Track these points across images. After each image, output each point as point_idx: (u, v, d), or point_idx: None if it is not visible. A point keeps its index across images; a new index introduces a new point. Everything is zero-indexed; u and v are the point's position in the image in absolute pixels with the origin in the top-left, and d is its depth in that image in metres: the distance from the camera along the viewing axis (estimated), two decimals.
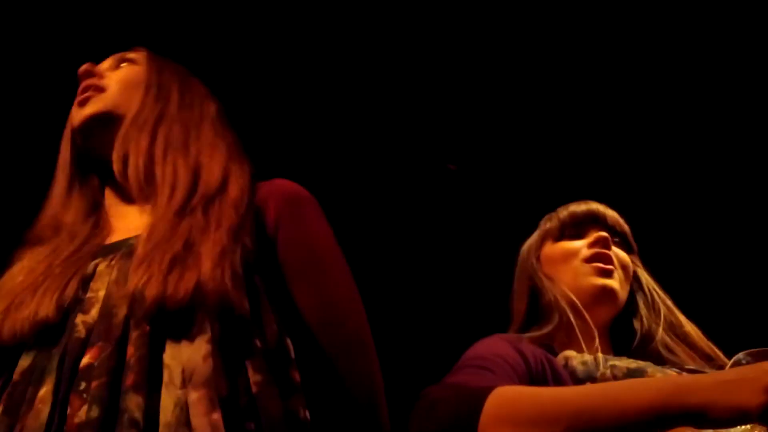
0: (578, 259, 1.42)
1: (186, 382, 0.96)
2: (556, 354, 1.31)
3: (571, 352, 1.30)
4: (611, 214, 1.50)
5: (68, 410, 0.94)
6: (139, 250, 1.07)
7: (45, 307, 1.04)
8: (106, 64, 1.30)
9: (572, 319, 1.34)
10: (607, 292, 1.38)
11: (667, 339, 1.38)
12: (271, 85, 2.57)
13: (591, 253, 1.41)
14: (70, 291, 1.06)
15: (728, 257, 2.73)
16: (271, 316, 1.08)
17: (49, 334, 1.03)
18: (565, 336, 1.34)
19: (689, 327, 1.40)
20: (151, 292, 1.00)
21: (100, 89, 1.24)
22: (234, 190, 1.17)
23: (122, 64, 1.29)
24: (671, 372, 1.25)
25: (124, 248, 1.11)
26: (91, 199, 1.26)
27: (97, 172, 1.27)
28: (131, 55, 1.31)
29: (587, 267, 1.40)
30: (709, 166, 2.73)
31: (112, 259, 1.10)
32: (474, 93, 2.70)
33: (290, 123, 2.65)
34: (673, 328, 1.40)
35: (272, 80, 2.56)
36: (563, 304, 1.36)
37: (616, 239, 1.46)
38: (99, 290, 1.06)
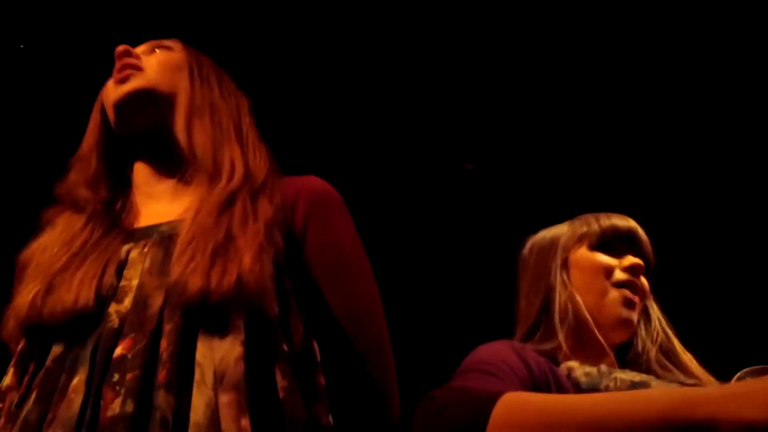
0: (609, 280, 1.40)
1: (217, 383, 0.95)
2: (558, 364, 1.30)
3: (574, 363, 1.30)
4: (647, 240, 1.47)
5: (101, 402, 0.94)
6: (183, 237, 1.06)
7: (84, 295, 1.03)
8: (140, 49, 1.29)
9: (582, 335, 1.34)
10: (627, 324, 1.38)
11: (663, 360, 1.37)
12: (289, 84, 2.58)
13: (624, 278, 1.40)
14: (107, 279, 1.05)
15: (730, 264, 2.72)
16: (299, 320, 1.07)
17: (83, 320, 1.02)
18: (570, 349, 1.34)
19: (685, 356, 1.39)
20: (196, 283, 0.99)
21: (139, 68, 1.23)
22: (272, 188, 1.18)
23: (157, 50, 1.29)
24: (674, 386, 1.24)
25: (156, 235, 1.11)
26: (118, 175, 1.25)
27: (126, 150, 1.27)
28: (166, 42, 1.31)
29: (615, 292, 1.39)
30: (723, 168, 2.71)
31: (144, 246, 1.09)
32: (492, 93, 2.70)
33: (308, 122, 2.66)
34: (668, 354, 1.40)
35: (290, 80, 2.58)
36: (582, 318, 1.35)
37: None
38: (132, 279, 1.05)
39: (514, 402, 0.99)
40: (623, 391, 1.16)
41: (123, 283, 1.05)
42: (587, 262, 1.43)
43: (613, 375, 1.24)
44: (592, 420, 0.93)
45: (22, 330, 1.05)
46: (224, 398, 0.94)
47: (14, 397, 1.01)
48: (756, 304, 2.59)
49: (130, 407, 0.92)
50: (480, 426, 0.96)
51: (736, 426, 0.85)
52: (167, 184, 1.21)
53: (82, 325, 1.02)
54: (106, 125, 1.27)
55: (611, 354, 1.39)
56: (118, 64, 1.23)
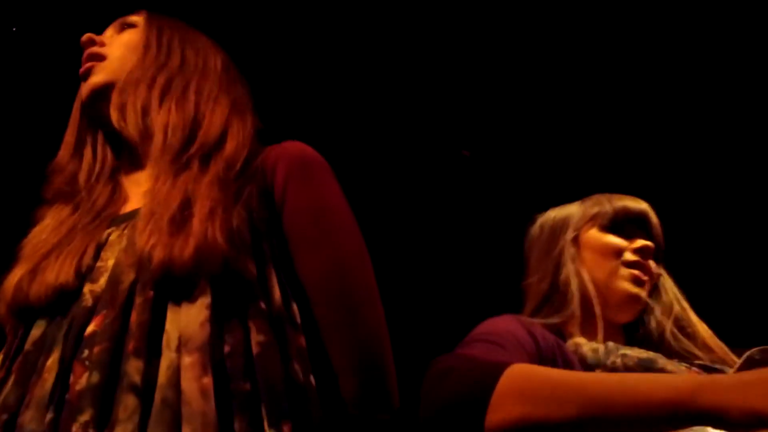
0: (619, 260, 1.41)
1: (181, 346, 0.95)
2: (565, 340, 1.31)
3: (581, 339, 1.30)
4: (658, 223, 1.48)
5: (71, 378, 0.95)
6: (143, 210, 1.06)
7: (65, 272, 1.04)
8: (108, 32, 1.28)
9: (593, 310, 1.34)
10: (636, 300, 1.39)
11: (677, 334, 1.37)
12: (286, 67, 2.57)
13: (633, 259, 1.41)
14: (86, 259, 1.06)
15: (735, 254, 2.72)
16: (275, 281, 1.05)
17: (63, 302, 1.03)
18: (578, 326, 1.34)
19: (701, 327, 1.39)
20: (159, 255, 0.99)
21: (101, 57, 1.23)
22: (231, 144, 1.14)
23: (123, 30, 1.28)
24: (682, 366, 1.24)
25: (135, 217, 1.11)
26: (107, 163, 1.25)
27: (110, 140, 1.26)
28: (131, 18, 1.29)
29: (625, 271, 1.40)
30: (724, 156, 2.71)
31: (124, 228, 1.10)
32: (489, 79, 2.69)
33: (305, 107, 2.65)
34: (683, 327, 1.40)
35: (286, 62, 2.57)
36: (588, 295, 1.36)
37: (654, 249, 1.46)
38: (108, 259, 1.06)
39: (521, 373, 0.98)
40: (630, 373, 1.15)
41: (99, 263, 1.06)
42: (598, 242, 1.43)
43: (621, 351, 1.23)
44: (598, 398, 0.92)
45: (9, 311, 1.06)
46: (187, 360, 0.93)
47: None
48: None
49: (95, 378, 0.92)
50: (484, 395, 0.96)
51: (744, 415, 0.84)
52: (146, 169, 1.19)
53: (62, 306, 1.03)
54: (87, 114, 1.27)
55: (618, 332, 1.39)
56: (83, 56, 1.23)
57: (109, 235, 1.10)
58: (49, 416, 0.92)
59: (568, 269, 1.39)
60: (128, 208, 1.18)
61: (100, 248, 1.08)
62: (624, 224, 1.45)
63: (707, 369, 1.24)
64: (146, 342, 0.95)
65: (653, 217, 1.47)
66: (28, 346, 1.02)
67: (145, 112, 1.17)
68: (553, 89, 2.70)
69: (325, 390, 1.05)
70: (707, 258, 2.62)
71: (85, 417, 0.90)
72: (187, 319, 0.97)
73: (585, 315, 1.35)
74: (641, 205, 1.47)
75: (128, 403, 0.90)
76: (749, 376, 0.88)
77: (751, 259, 2.68)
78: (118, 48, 1.24)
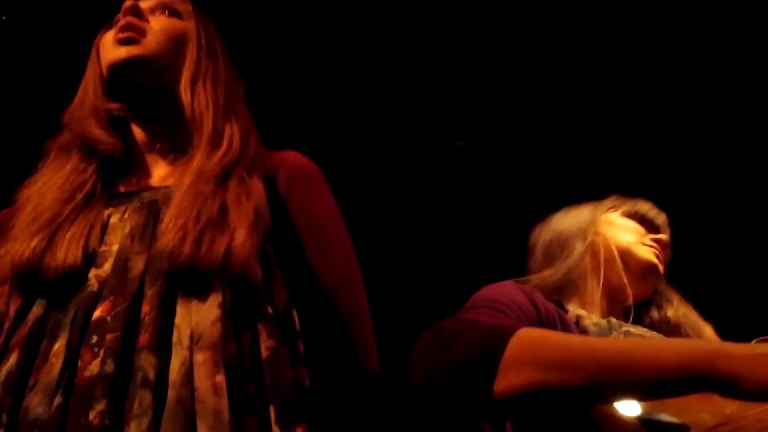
0: (640, 238, 1.44)
1: (193, 344, 0.96)
2: (566, 312, 1.29)
3: (583, 311, 1.29)
4: (669, 237, 1.52)
5: (79, 363, 0.94)
6: (177, 201, 1.06)
7: (73, 253, 1.03)
8: (149, 4, 1.25)
9: (611, 279, 1.35)
10: (655, 271, 1.41)
11: (688, 330, 1.38)
12: (277, 59, 2.56)
13: (652, 242, 1.44)
14: (93, 241, 1.05)
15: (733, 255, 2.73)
16: (281, 285, 1.08)
17: (67, 282, 1.02)
18: (580, 290, 1.34)
19: (707, 329, 1.40)
20: (185, 250, 0.99)
21: (143, 33, 1.21)
22: (260, 159, 1.19)
23: (166, 13, 1.26)
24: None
25: (136, 200, 1.11)
26: (117, 126, 1.23)
27: (124, 103, 1.24)
28: (177, 6, 1.28)
29: (646, 247, 1.43)
30: (721, 153, 2.72)
31: (124, 212, 1.10)
32: (481, 69, 2.69)
33: (297, 98, 2.65)
34: (688, 321, 1.41)
35: (277, 54, 2.56)
36: (611, 260, 1.37)
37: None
38: (113, 244, 1.06)
39: (531, 338, 0.94)
40: (645, 339, 1.13)
41: (104, 248, 1.05)
42: (621, 221, 1.47)
43: (623, 328, 1.22)
44: (610, 363, 0.89)
45: (16, 276, 1.03)
46: (199, 357, 0.95)
47: None
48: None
49: (110, 367, 0.92)
50: (493, 360, 0.92)
51: (756, 385, 0.84)
52: (161, 149, 1.21)
53: (66, 287, 1.02)
54: (102, 77, 1.24)
55: (620, 313, 1.39)
56: (123, 21, 1.20)
57: (110, 216, 1.10)
58: (57, 400, 0.91)
59: (593, 239, 1.39)
60: (131, 186, 1.17)
61: (103, 231, 1.07)
62: (643, 222, 1.49)
63: None
64: (159, 337, 0.96)
65: (668, 231, 1.51)
66: (31, 323, 1.00)
67: (218, 110, 1.19)
68: (546, 79, 2.70)
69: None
70: (706, 261, 2.64)
71: (100, 406, 0.90)
72: (198, 316, 0.98)
73: (595, 281, 1.35)
74: (663, 216, 1.51)
75: (143, 398, 0.91)
76: (763, 348, 0.88)
77: (750, 263, 2.69)
78: (163, 32, 1.23)
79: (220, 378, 0.93)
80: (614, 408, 0.94)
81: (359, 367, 1.16)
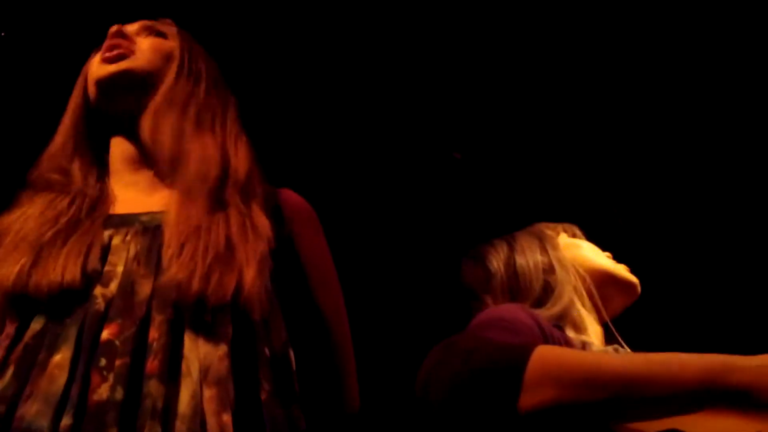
0: (605, 257, 1.45)
1: (202, 378, 0.97)
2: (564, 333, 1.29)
3: (587, 337, 1.30)
4: None
5: (90, 385, 0.94)
6: (173, 232, 1.06)
7: (70, 272, 1.03)
8: (133, 28, 1.28)
9: (591, 296, 1.36)
10: (635, 288, 1.42)
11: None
12: (276, 73, 2.56)
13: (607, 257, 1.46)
14: (92, 261, 1.05)
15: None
16: (281, 325, 1.10)
17: (66, 298, 1.02)
18: (575, 320, 1.33)
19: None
20: (194, 286, 1.00)
21: (131, 51, 1.23)
22: (260, 192, 1.19)
23: (152, 34, 1.28)
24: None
25: (137, 224, 1.12)
26: (96, 156, 1.24)
27: (106, 131, 1.26)
28: (162, 27, 1.29)
29: (619, 265, 1.44)
30: (711, 163, 2.72)
31: (126, 234, 1.10)
32: (479, 82, 2.69)
33: (294, 112, 2.65)
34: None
35: (276, 67, 2.56)
36: (589, 278, 1.38)
37: None
38: (117, 265, 1.06)
39: (550, 356, 0.96)
40: (657, 353, 1.14)
41: (108, 268, 1.05)
42: (579, 242, 1.48)
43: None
44: (628, 380, 0.91)
45: (6, 299, 1.03)
46: (207, 392, 0.96)
47: None
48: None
49: (120, 394, 0.93)
50: (517, 375, 0.93)
51: None
52: (143, 174, 1.21)
53: (64, 304, 1.01)
54: (86, 105, 1.25)
55: (603, 330, 1.39)
56: (109, 43, 1.22)
57: (111, 237, 1.10)
58: (67, 421, 0.91)
59: (569, 262, 1.40)
60: (118, 208, 1.17)
61: (105, 251, 1.07)
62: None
63: None
64: (167, 366, 0.97)
65: None
66: (27, 338, 1.00)
67: (180, 139, 1.18)
68: (545, 92, 2.70)
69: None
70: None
71: None
72: (206, 350, 0.99)
73: (581, 308, 1.35)
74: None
75: (153, 429, 0.92)
76: None
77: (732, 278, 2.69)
78: (150, 50, 1.24)
79: (227, 418, 0.95)
80: (635, 424, 0.95)
81: (345, 406, 1.21)
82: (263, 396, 1.01)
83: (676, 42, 2.50)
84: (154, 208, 1.15)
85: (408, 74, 2.67)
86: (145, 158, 1.21)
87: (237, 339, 1.02)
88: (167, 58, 1.25)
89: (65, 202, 1.15)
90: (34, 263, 1.04)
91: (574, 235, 1.51)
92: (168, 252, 1.05)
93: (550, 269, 1.39)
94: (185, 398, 0.95)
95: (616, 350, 1.27)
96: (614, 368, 0.93)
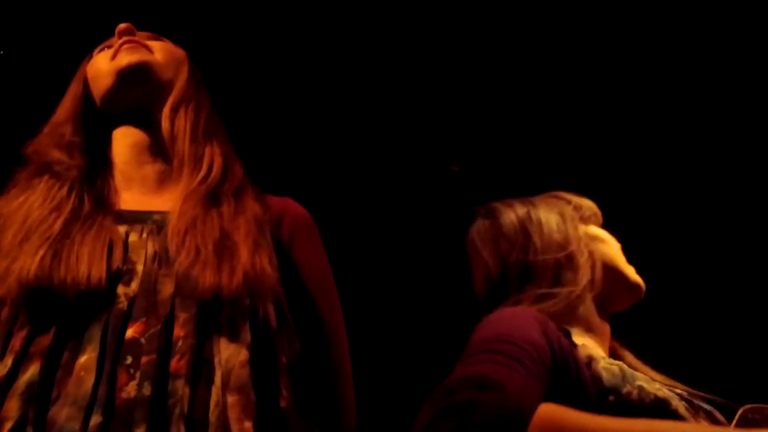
0: (622, 255, 1.42)
1: (224, 384, 0.97)
2: (575, 346, 1.25)
3: (594, 350, 1.26)
4: None
5: (117, 383, 0.95)
6: (174, 228, 1.08)
7: (96, 273, 1.02)
8: (140, 34, 1.28)
9: (608, 286, 1.34)
10: (640, 291, 1.39)
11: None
12: (274, 82, 2.56)
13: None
14: (115, 260, 1.05)
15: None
16: (294, 334, 1.11)
17: (87, 297, 1.01)
18: (581, 317, 1.32)
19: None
20: (208, 279, 1.02)
21: (146, 47, 1.24)
22: (251, 194, 1.21)
23: (159, 40, 1.29)
24: (702, 423, 1.21)
25: (150, 222, 1.12)
26: (95, 148, 1.23)
27: (107, 126, 1.25)
28: (165, 39, 1.32)
29: (630, 266, 1.41)
30: (709, 170, 2.72)
31: (141, 232, 1.10)
32: (477, 94, 2.69)
33: (291, 123, 2.65)
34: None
35: (275, 76, 2.56)
36: (604, 269, 1.35)
37: None
38: (137, 263, 1.06)
39: (552, 418, 0.95)
40: (661, 422, 1.13)
41: (128, 266, 1.05)
42: (601, 233, 1.43)
43: (637, 383, 1.19)
44: None
45: (25, 291, 1.01)
46: (230, 399, 0.97)
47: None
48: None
49: (148, 390, 0.93)
50: None
51: None
52: (150, 169, 1.21)
53: (87, 302, 1.00)
54: (85, 99, 1.24)
55: (607, 324, 1.37)
56: (122, 39, 1.22)
57: (127, 234, 1.10)
58: (96, 419, 0.91)
59: (581, 249, 1.35)
60: (125, 203, 1.17)
61: (125, 249, 1.07)
62: (604, 227, 1.47)
63: (688, 400, 1.22)
64: (193, 367, 0.97)
65: None
66: (51, 334, 0.98)
67: (195, 136, 1.20)
68: (542, 105, 2.70)
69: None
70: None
71: (140, 430, 0.91)
72: (228, 354, 1.00)
73: (591, 302, 1.33)
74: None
75: (180, 430, 0.93)
76: None
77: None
78: (163, 49, 1.26)
79: (249, 425, 0.96)
80: None
81: (342, 423, 1.22)
82: (283, 404, 1.02)
83: (673, 51, 2.51)
84: (164, 208, 1.15)
85: (406, 87, 2.67)
86: (153, 154, 1.22)
87: (256, 347, 1.02)
88: (179, 61, 1.27)
89: (65, 189, 1.14)
90: (54, 257, 1.02)
91: (599, 224, 1.46)
92: (174, 249, 1.06)
93: (560, 248, 1.34)
94: (210, 403, 0.96)
95: (621, 370, 1.24)
96: None
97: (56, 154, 1.17)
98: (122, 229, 1.10)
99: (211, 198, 1.14)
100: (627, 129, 2.71)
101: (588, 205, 1.47)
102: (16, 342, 0.99)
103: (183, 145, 1.18)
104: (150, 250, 1.07)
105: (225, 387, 0.97)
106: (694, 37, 2.46)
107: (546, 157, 2.82)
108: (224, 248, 1.06)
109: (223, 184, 1.17)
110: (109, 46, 1.26)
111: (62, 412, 0.92)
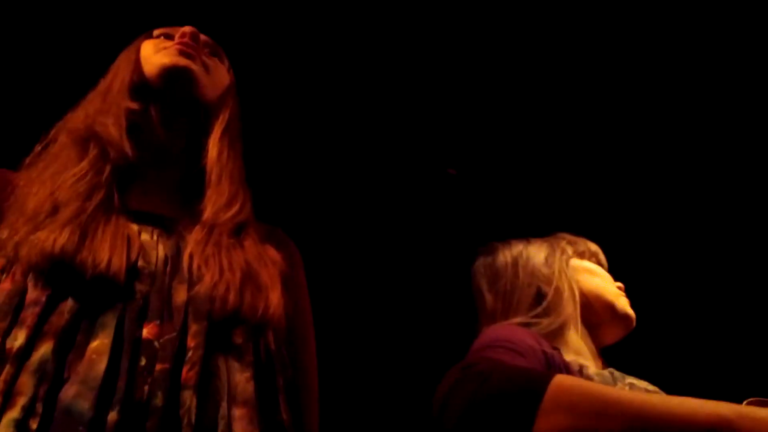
0: (612, 286, 1.47)
1: (230, 398, 1.00)
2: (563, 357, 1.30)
3: (584, 360, 1.31)
4: None
5: (135, 382, 0.96)
6: (199, 246, 1.10)
7: (117, 260, 1.03)
8: (203, 38, 1.28)
9: (590, 318, 1.38)
10: (632, 323, 1.44)
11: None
12: (271, 85, 2.56)
13: (620, 292, 1.47)
14: (134, 253, 1.07)
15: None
16: (288, 360, 1.15)
17: (104, 285, 1.02)
18: (568, 342, 1.34)
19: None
20: (231, 299, 1.05)
21: (205, 64, 1.24)
22: (264, 230, 1.25)
23: (215, 56, 1.30)
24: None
25: (161, 226, 1.14)
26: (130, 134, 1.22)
27: (147, 113, 1.23)
28: (224, 58, 1.33)
29: (622, 297, 1.46)
30: (712, 175, 2.73)
31: (152, 233, 1.12)
32: (474, 97, 2.70)
33: (288, 126, 2.65)
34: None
35: (271, 80, 2.56)
36: (587, 302, 1.40)
37: None
38: (150, 263, 1.08)
39: (567, 385, 0.99)
40: (672, 396, 1.17)
41: (141, 264, 1.07)
42: (591, 266, 1.49)
43: (627, 381, 1.25)
44: (642, 414, 0.94)
45: (47, 262, 1.01)
46: (237, 412, 1.00)
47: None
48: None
49: (160, 401, 0.95)
50: (534, 400, 0.96)
51: None
52: (170, 176, 1.22)
53: (103, 290, 1.01)
54: (138, 72, 1.23)
55: (599, 356, 1.40)
56: (187, 40, 1.22)
57: (140, 233, 1.11)
58: (113, 416, 0.92)
59: (565, 280, 1.41)
60: (139, 203, 1.17)
61: (141, 248, 1.09)
62: (597, 264, 1.53)
63: None
64: (202, 380, 0.99)
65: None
66: (66, 314, 0.99)
67: (232, 174, 1.22)
68: (539, 108, 2.71)
69: None
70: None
71: None
72: (233, 370, 1.03)
73: (576, 331, 1.36)
74: (605, 259, 1.56)
75: None
76: None
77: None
78: (218, 74, 1.27)
79: None
80: None
81: None
82: (285, 418, 1.06)
83: (671, 59, 2.51)
84: (173, 215, 1.17)
85: (403, 90, 2.68)
86: (178, 162, 1.23)
87: (258, 366, 1.07)
88: (226, 87, 1.28)
89: (101, 177, 1.13)
90: (81, 238, 1.03)
91: (597, 261, 1.52)
92: (195, 263, 1.08)
93: (547, 280, 1.41)
94: (217, 416, 0.98)
95: (611, 373, 1.27)
96: (631, 402, 0.96)
97: (113, 131, 1.16)
98: (135, 227, 1.11)
99: (236, 233, 1.17)
100: (625, 134, 2.72)
101: (585, 243, 1.54)
102: (28, 317, 0.99)
103: (221, 179, 1.20)
104: (161, 252, 1.09)
105: (231, 401, 1.00)
106: (698, 44, 2.47)
107: (544, 160, 2.82)
108: (248, 278, 1.09)
109: (248, 224, 1.20)
110: (168, 36, 1.26)
111: (71, 390, 0.93)
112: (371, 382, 2.73)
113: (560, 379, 0.99)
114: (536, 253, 1.47)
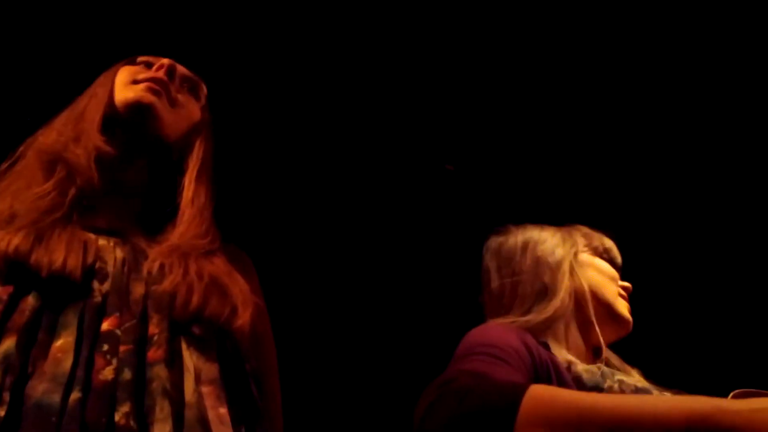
0: (617, 286, 1.47)
1: (197, 376, 1.04)
2: (550, 351, 1.30)
3: (570, 356, 1.31)
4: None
5: (94, 366, 0.99)
6: (158, 253, 1.13)
7: (72, 261, 1.06)
8: (180, 71, 1.30)
9: (585, 315, 1.38)
10: (628, 327, 1.45)
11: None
12: (266, 82, 2.56)
13: (623, 293, 1.48)
14: (91, 254, 1.10)
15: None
16: (253, 378, 1.17)
17: (62, 284, 1.05)
18: (559, 335, 1.34)
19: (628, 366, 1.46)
20: (194, 301, 1.08)
21: (173, 100, 1.26)
22: (239, 259, 1.29)
23: (188, 91, 1.32)
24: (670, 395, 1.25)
25: (117, 236, 1.17)
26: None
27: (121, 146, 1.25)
28: (200, 90, 1.35)
29: (622, 299, 1.46)
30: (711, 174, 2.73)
31: (108, 240, 1.15)
32: (472, 93, 2.70)
33: (285, 121, 2.65)
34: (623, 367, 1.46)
35: (267, 77, 2.56)
36: (585, 299, 1.40)
37: None
38: (108, 264, 1.11)
39: (542, 396, 0.98)
40: (644, 395, 1.16)
41: (100, 264, 1.10)
42: (599, 263, 1.49)
43: (616, 377, 1.25)
44: (619, 420, 0.93)
45: (2, 263, 1.05)
46: (204, 389, 1.03)
47: None
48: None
49: (128, 375, 0.98)
50: (509, 417, 0.95)
51: None
52: (132, 210, 1.24)
53: (61, 289, 1.05)
54: (111, 102, 1.25)
55: (590, 353, 1.40)
56: (158, 74, 1.24)
57: (97, 239, 1.15)
58: (76, 395, 0.95)
59: (567, 273, 1.42)
60: (102, 223, 1.20)
61: (97, 250, 1.12)
62: (611, 263, 1.52)
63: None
64: (169, 356, 1.03)
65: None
66: (26, 311, 1.02)
67: (203, 213, 1.24)
68: (537, 103, 2.71)
69: None
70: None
71: (125, 408, 0.96)
72: (198, 354, 1.07)
73: (574, 324, 1.36)
74: (620, 257, 1.55)
75: (164, 405, 0.98)
76: (758, 404, 0.92)
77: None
78: (187, 117, 1.29)
79: (224, 411, 1.03)
80: None
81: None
82: (254, 391, 1.10)
83: (675, 55, 2.51)
84: (132, 237, 1.20)
85: (401, 86, 2.68)
86: (139, 194, 1.25)
87: (222, 356, 1.10)
88: (196, 127, 1.30)
89: (64, 198, 1.16)
90: (37, 240, 1.07)
91: (609, 258, 1.51)
92: (155, 266, 1.11)
93: (550, 269, 1.42)
94: (189, 388, 1.01)
95: (600, 370, 1.27)
96: (605, 406, 0.95)
97: (83, 161, 1.19)
98: (92, 235, 1.15)
99: (205, 255, 1.19)
100: (623, 131, 2.72)
101: (601, 237, 1.54)
102: None
103: (194, 218, 1.22)
104: (119, 255, 1.13)
105: (197, 379, 1.03)
106: (688, 55, 2.47)
107: (542, 157, 2.83)
108: (215, 286, 1.13)
109: (217, 252, 1.22)
110: (148, 65, 1.29)
111: (39, 387, 0.96)
112: (371, 382, 2.73)
113: (534, 392, 0.99)
114: (546, 240, 1.47)
